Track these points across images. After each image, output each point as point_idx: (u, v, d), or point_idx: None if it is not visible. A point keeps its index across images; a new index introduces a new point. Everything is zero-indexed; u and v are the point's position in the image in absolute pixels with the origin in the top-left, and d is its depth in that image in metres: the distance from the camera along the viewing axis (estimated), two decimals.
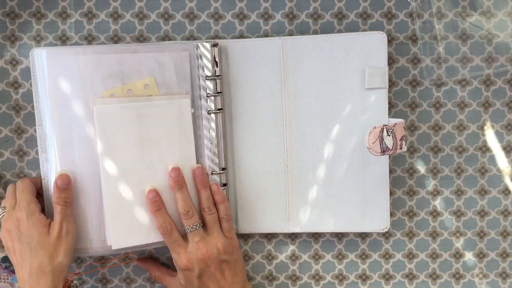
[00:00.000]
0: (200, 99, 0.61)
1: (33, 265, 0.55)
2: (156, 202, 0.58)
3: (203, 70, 0.61)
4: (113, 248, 0.59)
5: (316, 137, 0.63)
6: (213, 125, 0.61)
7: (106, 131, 0.58)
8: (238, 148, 0.63)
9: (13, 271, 0.65)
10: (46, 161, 0.59)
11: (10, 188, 0.60)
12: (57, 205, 0.57)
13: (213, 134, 0.61)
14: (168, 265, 0.66)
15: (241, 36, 0.64)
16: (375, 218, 0.63)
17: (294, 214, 0.64)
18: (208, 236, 0.59)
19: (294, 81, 0.62)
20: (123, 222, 0.59)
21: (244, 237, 0.66)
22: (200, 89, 0.61)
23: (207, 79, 0.61)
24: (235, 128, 0.63)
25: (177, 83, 0.60)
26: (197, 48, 0.60)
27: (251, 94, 0.63)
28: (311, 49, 0.62)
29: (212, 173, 0.62)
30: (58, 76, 0.57)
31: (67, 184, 0.57)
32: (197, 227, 0.58)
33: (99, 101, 0.58)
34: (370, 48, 0.61)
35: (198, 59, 0.60)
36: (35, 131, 0.63)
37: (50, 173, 0.59)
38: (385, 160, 0.62)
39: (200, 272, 0.58)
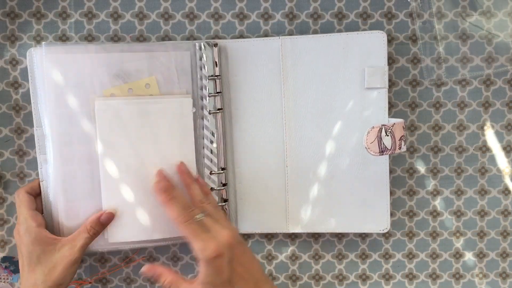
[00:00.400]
0: (202, 99, 0.61)
1: (29, 281, 0.56)
2: (168, 190, 0.56)
3: (204, 70, 0.61)
4: (109, 241, 0.59)
5: (315, 137, 0.63)
6: (213, 125, 0.61)
7: (107, 127, 0.58)
8: (237, 148, 0.63)
9: (13, 271, 0.65)
10: (45, 162, 0.60)
11: (15, 193, 0.61)
12: (86, 232, 0.57)
13: (213, 134, 0.61)
14: (169, 265, 0.66)
15: (241, 36, 0.64)
16: (375, 219, 0.63)
17: (294, 214, 0.64)
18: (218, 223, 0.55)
19: (294, 81, 0.62)
20: (121, 218, 0.59)
21: (244, 237, 0.66)
22: (200, 89, 0.61)
23: (207, 79, 0.61)
24: (234, 128, 0.63)
25: (178, 82, 0.60)
26: (199, 48, 0.60)
27: (251, 94, 0.63)
28: (311, 49, 0.62)
29: (211, 173, 0.62)
30: (57, 74, 0.57)
31: (108, 223, 0.58)
32: (207, 215, 0.55)
33: (100, 99, 0.58)
34: (370, 47, 0.61)
35: (199, 59, 0.60)
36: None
37: (49, 174, 0.59)
38: (385, 160, 0.62)
39: (230, 257, 0.52)
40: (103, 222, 0.58)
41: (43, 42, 0.61)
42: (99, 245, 0.60)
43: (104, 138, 0.58)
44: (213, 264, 0.52)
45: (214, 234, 0.53)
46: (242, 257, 0.54)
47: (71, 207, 0.59)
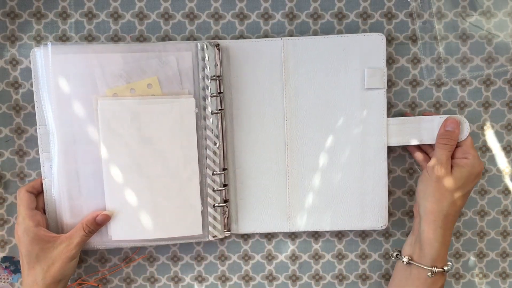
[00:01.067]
0: (204, 99, 0.61)
1: (29, 278, 0.57)
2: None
3: (205, 71, 0.60)
4: (113, 238, 0.60)
5: (316, 137, 0.63)
6: (214, 125, 0.61)
7: (109, 127, 0.59)
8: (238, 148, 0.63)
9: (13, 271, 0.65)
10: (48, 160, 0.60)
11: (17, 192, 0.61)
12: (82, 230, 0.59)
13: (215, 134, 0.61)
14: (169, 265, 0.66)
15: (241, 36, 0.64)
16: (374, 216, 0.63)
17: (294, 213, 0.64)
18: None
19: (295, 81, 0.62)
20: (124, 216, 0.60)
21: (244, 237, 0.66)
22: (202, 89, 0.61)
23: (210, 79, 0.60)
24: (235, 128, 0.63)
25: (180, 83, 0.60)
26: (201, 49, 0.60)
27: (252, 95, 0.63)
28: (312, 50, 0.62)
29: (213, 174, 0.62)
30: (62, 74, 0.58)
31: (103, 224, 0.60)
32: None
33: (103, 99, 0.58)
34: (370, 49, 0.61)
35: (201, 59, 0.60)
36: (35, 131, 0.63)
37: (52, 172, 0.60)
38: (383, 157, 0.63)
39: (469, 191, 0.60)
40: (98, 223, 0.59)
41: (49, 42, 0.61)
42: (102, 242, 0.61)
43: (107, 137, 0.59)
44: (468, 174, 0.59)
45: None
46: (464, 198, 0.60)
47: (74, 205, 0.60)
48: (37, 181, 0.61)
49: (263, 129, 0.63)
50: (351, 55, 0.62)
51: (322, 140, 0.63)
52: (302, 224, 0.64)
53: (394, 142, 0.62)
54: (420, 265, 0.58)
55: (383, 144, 0.62)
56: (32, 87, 0.61)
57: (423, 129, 0.62)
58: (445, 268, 0.58)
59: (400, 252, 0.61)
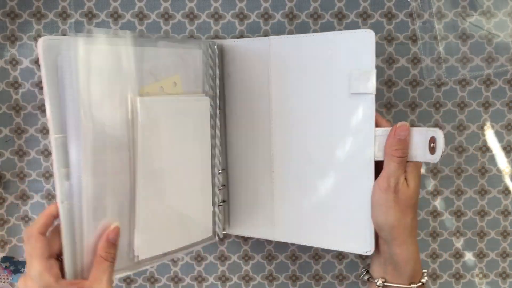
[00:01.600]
0: (212, 98, 0.60)
1: None
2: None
3: (212, 69, 0.60)
4: (140, 258, 0.52)
5: (302, 142, 0.58)
6: (219, 124, 0.61)
7: (148, 129, 0.52)
8: (231, 149, 0.62)
9: (13, 271, 0.65)
10: (66, 178, 0.47)
11: (24, 234, 0.49)
12: (105, 261, 0.48)
13: (220, 133, 0.61)
14: (169, 265, 0.66)
15: (241, 36, 0.64)
16: (358, 238, 0.56)
17: (280, 221, 0.60)
18: None
19: (281, 83, 0.58)
20: (153, 228, 0.53)
21: (244, 237, 0.66)
22: (210, 88, 0.60)
23: (217, 79, 0.60)
24: (228, 128, 0.62)
25: (195, 81, 0.58)
26: (210, 47, 0.59)
27: (242, 95, 0.60)
28: (297, 50, 0.57)
29: (219, 172, 0.61)
30: (95, 69, 0.47)
31: (118, 239, 0.49)
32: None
33: (142, 98, 0.51)
34: (357, 48, 0.53)
35: (209, 58, 0.60)
36: (35, 131, 0.63)
37: (74, 192, 0.47)
38: (370, 175, 0.54)
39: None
40: (112, 241, 0.48)
41: (79, 33, 0.48)
42: (129, 268, 0.52)
43: (145, 140, 0.51)
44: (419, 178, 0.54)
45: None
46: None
47: (99, 227, 0.49)
48: (46, 214, 0.48)
49: (251, 132, 0.60)
50: (337, 55, 0.54)
51: (308, 145, 0.57)
52: (287, 233, 0.59)
53: (381, 156, 0.53)
54: (398, 285, 0.53)
55: (369, 158, 0.54)
56: (32, 87, 0.60)
57: (413, 144, 0.53)
58: (423, 280, 0.54)
59: (368, 272, 0.56)
